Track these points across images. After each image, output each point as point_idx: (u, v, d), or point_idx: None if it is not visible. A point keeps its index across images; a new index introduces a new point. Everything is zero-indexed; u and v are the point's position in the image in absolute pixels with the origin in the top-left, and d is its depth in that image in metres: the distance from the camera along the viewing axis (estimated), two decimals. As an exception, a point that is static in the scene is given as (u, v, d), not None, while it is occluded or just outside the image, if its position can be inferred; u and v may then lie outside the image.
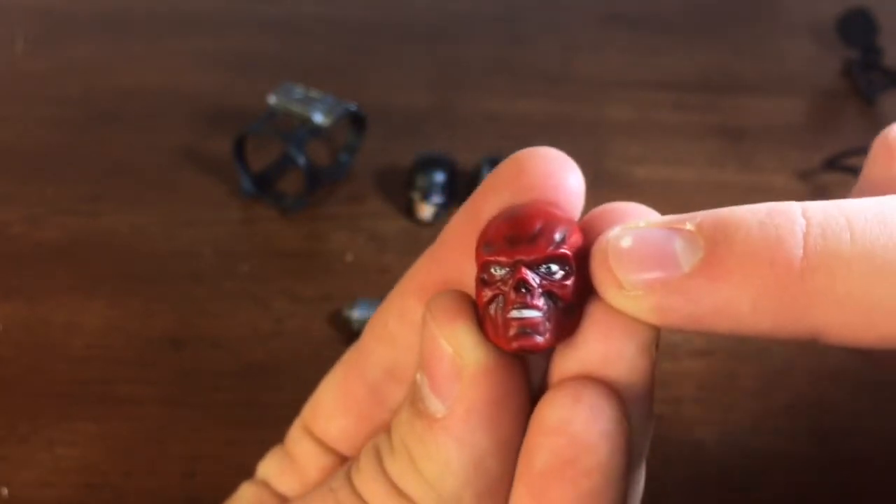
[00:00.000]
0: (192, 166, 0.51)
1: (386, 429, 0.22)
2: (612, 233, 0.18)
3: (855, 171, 0.50)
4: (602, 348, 0.19)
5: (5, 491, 0.36)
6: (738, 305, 0.17)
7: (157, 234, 0.47)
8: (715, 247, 0.17)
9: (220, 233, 0.47)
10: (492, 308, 0.19)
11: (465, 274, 0.20)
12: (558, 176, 0.20)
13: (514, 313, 0.19)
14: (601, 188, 0.49)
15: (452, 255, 0.21)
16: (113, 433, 0.38)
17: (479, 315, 0.19)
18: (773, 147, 0.53)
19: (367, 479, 0.21)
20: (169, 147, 0.52)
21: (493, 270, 0.19)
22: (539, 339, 0.19)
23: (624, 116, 0.55)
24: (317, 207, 0.49)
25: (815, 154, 0.52)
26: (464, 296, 0.20)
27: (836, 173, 0.51)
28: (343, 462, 0.24)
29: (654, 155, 0.52)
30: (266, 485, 0.25)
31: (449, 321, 0.19)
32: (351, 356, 0.24)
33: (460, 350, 0.19)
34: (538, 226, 0.19)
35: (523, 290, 0.18)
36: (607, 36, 0.63)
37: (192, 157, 0.52)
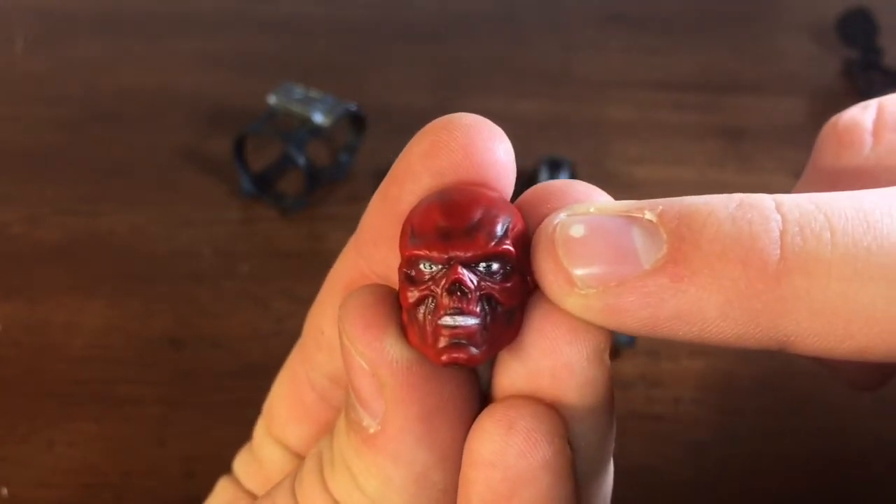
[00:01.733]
0: (192, 166, 0.51)
1: (332, 429, 0.20)
2: (559, 218, 0.16)
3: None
4: (549, 361, 0.16)
5: (5, 491, 0.36)
6: (703, 310, 0.15)
7: (157, 234, 0.47)
8: (680, 242, 0.15)
9: (220, 233, 0.47)
10: (419, 311, 0.16)
11: (391, 268, 0.18)
12: (483, 148, 0.17)
13: (447, 320, 0.16)
14: (601, 188, 0.49)
15: (375, 249, 0.19)
16: (113, 433, 0.38)
17: (403, 318, 0.17)
18: (773, 147, 0.53)
19: (308, 495, 0.19)
20: (169, 147, 0.52)
21: (421, 266, 0.16)
22: (474, 351, 0.16)
23: (624, 116, 0.55)
24: (317, 207, 0.49)
25: (815, 154, 0.52)
26: (381, 294, 0.17)
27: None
28: None
29: (654, 155, 0.52)
30: (238, 482, 0.25)
31: (361, 333, 0.17)
32: (296, 358, 0.23)
33: (376, 368, 0.17)
34: (476, 215, 0.16)
35: (458, 294, 0.16)
36: (607, 36, 0.63)
37: (192, 157, 0.52)
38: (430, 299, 0.16)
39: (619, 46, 0.62)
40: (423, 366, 0.17)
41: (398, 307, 0.17)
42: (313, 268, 0.46)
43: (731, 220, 0.15)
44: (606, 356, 0.17)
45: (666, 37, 0.63)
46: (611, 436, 0.18)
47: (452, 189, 0.17)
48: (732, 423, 0.38)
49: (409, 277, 0.16)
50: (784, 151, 0.53)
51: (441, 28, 0.63)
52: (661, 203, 0.16)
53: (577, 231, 0.16)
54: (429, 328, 0.16)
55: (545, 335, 0.16)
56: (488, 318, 0.16)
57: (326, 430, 0.22)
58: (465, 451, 0.17)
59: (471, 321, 0.16)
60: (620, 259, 0.15)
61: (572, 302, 0.16)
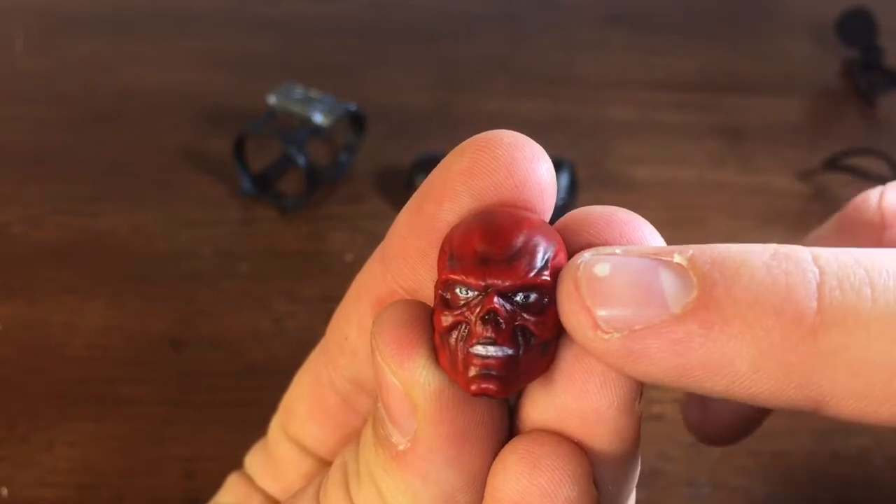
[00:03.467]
0: (192, 166, 0.51)
1: (357, 437, 0.19)
2: (584, 257, 0.16)
3: (855, 172, 0.50)
4: (577, 405, 0.16)
5: (5, 491, 0.36)
6: (734, 361, 0.14)
7: (157, 234, 0.47)
8: (712, 287, 0.14)
9: (220, 233, 0.47)
10: (452, 336, 0.16)
11: (423, 286, 0.18)
12: (527, 169, 0.16)
13: (479, 349, 0.15)
14: (601, 188, 0.49)
15: (404, 263, 0.18)
16: (113, 433, 0.38)
17: (436, 341, 0.16)
18: (773, 147, 0.53)
19: None
20: (169, 147, 0.52)
21: (457, 291, 0.16)
22: (504, 383, 0.16)
23: (624, 116, 0.55)
24: (317, 207, 0.49)
25: (815, 154, 0.52)
26: (415, 312, 0.17)
27: (835, 173, 0.51)
28: (323, 466, 0.23)
29: (654, 155, 0.52)
30: (250, 479, 0.24)
31: (395, 353, 0.16)
32: (318, 359, 0.23)
33: (410, 389, 0.16)
34: (518, 243, 0.16)
35: (493, 324, 0.15)
36: (607, 36, 0.63)
37: (192, 157, 0.52)
38: (464, 325, 0.16)
39: (619, 46, 0.62)
40: (455, 388, 0.16)
41: (432, 326, 0.17)
42: (313, 268, 0.46)
43: (766, 269, 0.14)
44: (637, 405, 0.16)
45: (666, 37, 0.63)
46: (635, 475, 0.18)
47: (494, 212, 0.16)
48: (732, 423, 0.38)
49: (445, 300, 0.16)
50: (784, 151, 0.53)
51: (440, 28, 0.63)
52: (692, 248, 0.15)
53: (602, 270, 0.15)
54: (460, 355, 0.16)
55: (574, 380, 0.16)
56: (521, 349, 0.16)
57: (346, 434, 0.22)
58: (488, 487, 0.16)
59: (502, 352, 0.15)
60: (647, 301, 0.15)
61: (596, 345, 0.15)
